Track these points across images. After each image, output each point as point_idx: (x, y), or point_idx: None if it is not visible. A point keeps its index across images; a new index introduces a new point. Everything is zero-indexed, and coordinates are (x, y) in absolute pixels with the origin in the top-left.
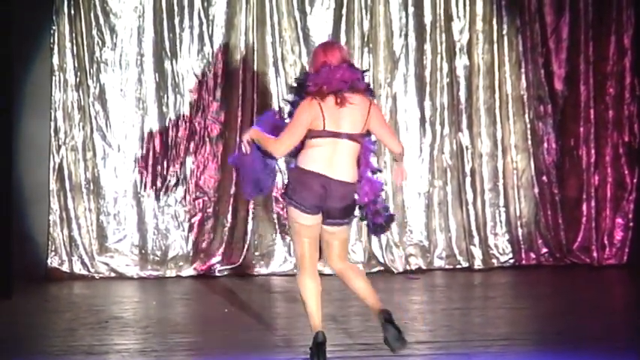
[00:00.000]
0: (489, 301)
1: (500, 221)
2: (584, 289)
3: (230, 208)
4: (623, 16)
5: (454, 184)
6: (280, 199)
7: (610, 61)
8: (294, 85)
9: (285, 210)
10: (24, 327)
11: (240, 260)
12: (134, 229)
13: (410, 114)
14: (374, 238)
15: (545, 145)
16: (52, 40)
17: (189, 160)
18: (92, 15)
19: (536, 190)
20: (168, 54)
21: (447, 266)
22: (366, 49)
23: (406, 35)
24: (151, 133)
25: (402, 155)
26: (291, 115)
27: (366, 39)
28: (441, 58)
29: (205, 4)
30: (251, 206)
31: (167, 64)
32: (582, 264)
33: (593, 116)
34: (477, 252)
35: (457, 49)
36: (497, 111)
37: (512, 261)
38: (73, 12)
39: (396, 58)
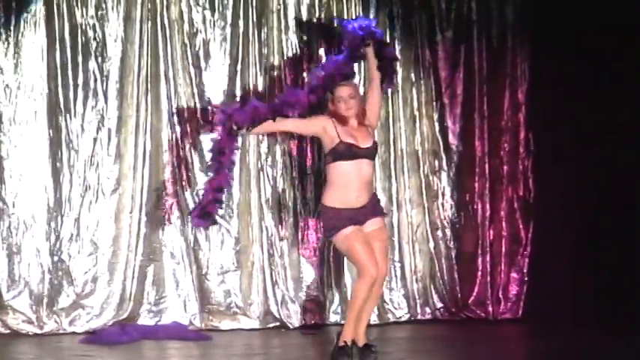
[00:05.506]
0: (385, 356)
1: (396, 276)
2: (480, 343)
3: (125, 263)
4: (517, 71)
5: None
6: None
7: (504, 116)
8: None
9: None
10: None
11: (134, 314)
12: (29, 286)
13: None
14: (270, 293)
15: (441, 199)
16: None
17: (84, 215)
18: None
19: (431, 244)
20: (62, 110)
21: (342, 321)
22: None
23: None
24: (45, 189)
25: None
26: None
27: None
28: None
29: (100, 59)
30: (139, 259)
31: (61, 120)
32: (478, 318)
33: (488, 171)
34: None
35: None
36: (392, 165)
37: (407, 316)
38: None
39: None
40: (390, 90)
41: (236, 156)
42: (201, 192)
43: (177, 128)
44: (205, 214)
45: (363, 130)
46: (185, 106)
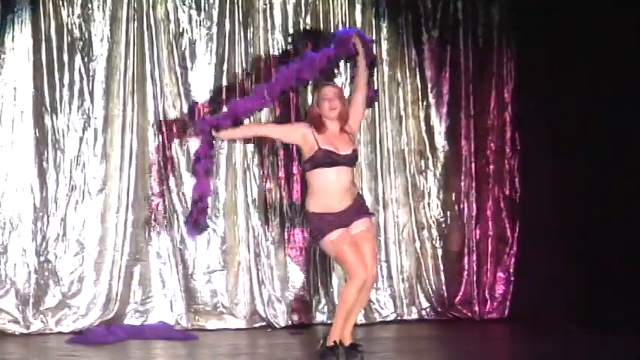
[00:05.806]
0: (371, 356)
1: (382, 276)
2: (466, 343)
3: (111, 263)
4: (503, 71)
5: None
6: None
7: (490, 116)
8: None
9: None
10: None
11: (121, 314)
12: (15, 286)
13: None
14: (256, 293)
15: (427, 199)
16: None
17: (70, 215)
18: None
19: (417, 244)
20: (48, 109)
21: (329, 321)
22: None
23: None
24: (31, 189)
25: None
26: None
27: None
28: None
29: (86, 59)
30: (125, 259)
31: (47, 120)
32: (464, 318)
33: (474, 170)
34: None
35: None
36: (378, 165)
37: (393, 315)
38: None
39: (276, 116)
40: (373, 101)
41: (212, 163)
42: (187, 193)
43: (164, 128)
44: (196, 224)
45: (344, 137)
46: (171, 105)
